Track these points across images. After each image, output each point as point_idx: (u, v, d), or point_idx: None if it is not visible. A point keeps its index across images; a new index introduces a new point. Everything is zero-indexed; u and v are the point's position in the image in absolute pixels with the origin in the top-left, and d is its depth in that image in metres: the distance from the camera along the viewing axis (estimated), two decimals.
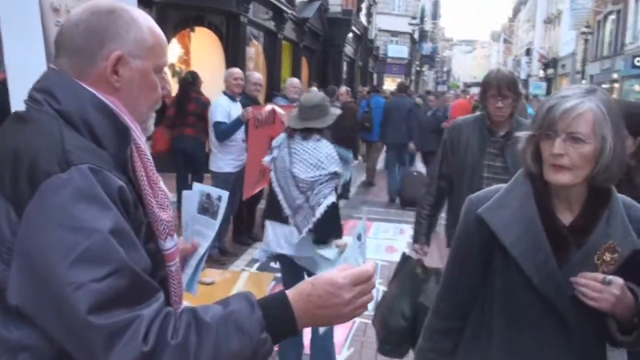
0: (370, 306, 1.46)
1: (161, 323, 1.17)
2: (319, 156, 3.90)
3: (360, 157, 13.16)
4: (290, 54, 18.76)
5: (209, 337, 1.19)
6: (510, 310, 1.84)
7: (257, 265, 6.67)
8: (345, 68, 26.95)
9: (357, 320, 5.25)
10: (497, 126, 3.56)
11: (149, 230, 1.37)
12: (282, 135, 4.15)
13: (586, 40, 33.64)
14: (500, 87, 3.47)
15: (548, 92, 40.51)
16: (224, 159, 6.64)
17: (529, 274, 1.76)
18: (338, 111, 4.26)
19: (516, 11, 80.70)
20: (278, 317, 1.27)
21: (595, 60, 36.05)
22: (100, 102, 1.33)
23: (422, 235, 3.81)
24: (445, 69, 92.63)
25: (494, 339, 1.87)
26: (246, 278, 5.33)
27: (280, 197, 3.98)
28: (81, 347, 1.15)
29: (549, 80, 49.14)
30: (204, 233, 1.80)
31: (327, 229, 3.89)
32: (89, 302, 1.12)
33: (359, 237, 1.79)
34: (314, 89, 10.12)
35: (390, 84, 42.42)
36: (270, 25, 15.69)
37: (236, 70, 6.82)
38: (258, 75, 7.29)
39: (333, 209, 3.88)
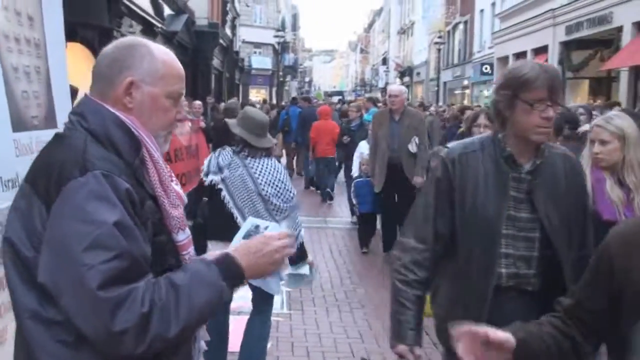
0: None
1: (151, 290, 1.50)
2: (278, 176, 3.97)
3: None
4: None
5: (183, 294, 1.53)
6: None
7: None
8: (213, 80, 27.06)
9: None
10: (521, 154, 2.35)
11: (160, 225, 1.68)
12: (228, 152, 4.05)
13: (439, 50, 35.85)
14: (554, 89, 2.27)
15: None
16: None
17: None
18: (273, 140, 4.52)
19: (372, 22, 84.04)
20: (229, 267, 1.64)
21: (447, 68, 38.50)
22: (118, 119, 1.64)
23: (408, 331, 2.40)
24: (307, 79, 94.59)
25: None
26: None
27: (239, 219, 3.90)
28: (91, 317, 1.45)
29: (406, 87, 51.68)
30: None
31: (301, 249, 4.15)
32: (98, 281, 1.43)
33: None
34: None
35: (255, 95, 42.90)
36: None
37: None
38: None
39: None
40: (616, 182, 3.16)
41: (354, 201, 8.32)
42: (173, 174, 1.84)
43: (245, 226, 2.17)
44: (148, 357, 1.51)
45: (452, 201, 2.38)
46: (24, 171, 1.68)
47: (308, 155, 13.74)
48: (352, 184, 8.46)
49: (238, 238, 2.25)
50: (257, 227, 2.16)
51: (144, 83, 1.68)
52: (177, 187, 1.80)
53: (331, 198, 12.48)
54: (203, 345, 1.90)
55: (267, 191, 3.92)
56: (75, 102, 2.08)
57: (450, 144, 2.58)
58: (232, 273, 1.64)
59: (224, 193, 3.96)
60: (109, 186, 1.51)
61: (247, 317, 4.33)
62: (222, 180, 3.97)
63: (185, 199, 1.84)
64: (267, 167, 3.97)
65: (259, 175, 3.94)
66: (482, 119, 4.66)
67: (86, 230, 1.45)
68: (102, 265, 1.44)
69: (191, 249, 1.80)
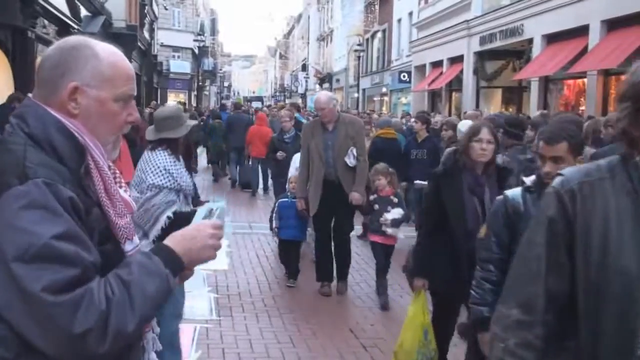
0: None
1: (104, 289, 1.47)
2: (144, 167, 3.98)
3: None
4: None
5: (134, 287, 1.51)
6: None
7: None
8: None
9: (197, 326, 5.53)
10: None
11: (106, 233, 1.63)
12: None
13: (359, 57, 36.41)
14: None
15: None
16: None
17: None
18: (193, 122, 4.48)
19: (291, 28, 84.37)
20: (168, 255, 1.63)
21: (366, 75, 39.17)
22: (61, 125, 1.57)
23: None
24: (226, 83, 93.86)
25: None
26: None
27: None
28: (47, 325, 1.40)
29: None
30: None
31: (184, 215, 3.88)
32: (49, 289, 1.38)
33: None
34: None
35: (174, 99, 42.20)
36: (57, 40, 15.08)
37: None
38: None
39: (173, 223, 3.85)
40: None
41: (274, 223, 7.13)
42: (123, 181, 1.80)
43: (201, 211, 2.11)
44: None
45: (571, 250, 1.68)
46: None
47: (235, 158, 15.08)
48: (275, 204, 7.44)
49: (195, 221, 2.17)
50: (211, 211, 2.08)
51: (88, 87, 1.60)
52: (124, 195, 1.74)
53: (265, 189, 13.88)
54: (154, 357, 1.85)
55: (133, 181, 4.04)
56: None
57: (566, 170, 1.81)
58: (172, 260, 1.63)
59: None
60: (52, 195, 1.44)
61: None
62: None
63: (134, 206, 1.80)
64: (142, 159, 4.08)
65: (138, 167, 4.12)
66: (484, 134, 4.05)
67: (27, 240, 1.38)
68: (52, 275, 1.39)
69: None
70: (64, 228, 1.43)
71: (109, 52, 1.67)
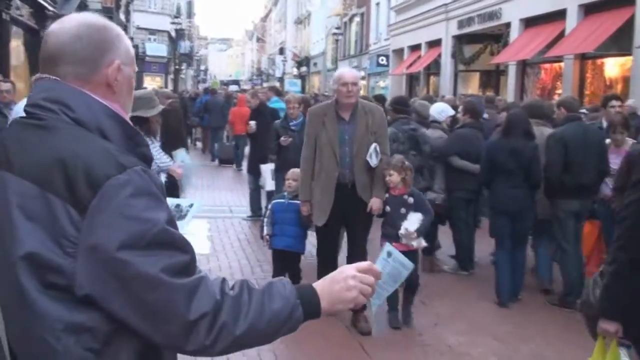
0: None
1: (220, 283, 1.47)
2: None
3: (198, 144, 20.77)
4: None
5: (256, 296, 1.50)
6: None
7: None
8: None
9: None
10: None
11: None
12: None
13: (337, 41, 36.34)
14: None
15: (303, 89, 42.98)
16: None
17: None
18: (161, 107, 4.67)
19: (268, 11, 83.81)
20: (303, 290, 1.58)
21: (344, 59, 39.12)
22: (111, 111, 1.53)
23: None
24: (202, 67, 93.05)
25: None
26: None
27: None
28: (165, 310, 1.38)
29: (302, 77, 52.10)
30: None
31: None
32: (170, 270, 1.37)
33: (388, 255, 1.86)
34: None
35: (150, 83, 41.78)
36: (32, 23, 14.84)
37: None
38: None
39: None
40: None
41: (265, 230, 5.84)
42: None
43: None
44: None
45: None
46: None
47: (214, 136, 17.64)
48: (269, 206, 6.08)
49: None
50: (178, 205, 2.07)
51: (124, 65, 1.59)
52: None
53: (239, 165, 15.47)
54: None
55: None
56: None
57: None
58: (307, 294, 1.57)
59: None
60: (152, 181, 1.43)
61: None
62: None
63: None
64: None
65: None
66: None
67: (141, 228, 1.36)
68: (168, 259, 1.38)
69: None
70: (168, 214, 1.44)
71: (123, 31, 1.68)
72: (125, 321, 1.39)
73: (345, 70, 5.59)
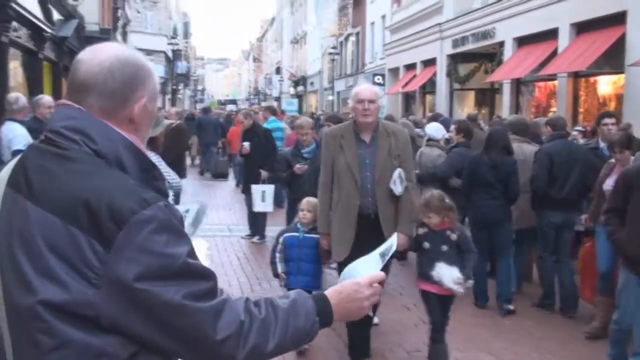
0: None
1: (244, 303, 1.55)
2: None
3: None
4: (50, 74, 17.96)
5: (282, 314, 1.59)
6: None
7: None
8: None
9: None
10: None
11: None
12: None
13: (333, 60, 36.57)
14: None
15: (300, 108, 43.16)
16: None
17: None
18: (168, 122, 4.66)
19: (264, 31, 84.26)
20: (322, 306, 1.68)
21: (340, 78, 39.33)
22: (129, 143, 1.55)
23: None
24: (200, 87, 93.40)
25: None
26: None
27: None
28: (192, 333, 1.45)
29: (299, 97, 52.31)
30: None
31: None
32: (192, 296, 1.43)
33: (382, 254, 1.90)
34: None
35: None
36: (30, 44, 14.97)
37: (48, 99, 6.98)
38: (49, 99, 7.25)
39: None
40: None
41: (279, 268, 5.23)
42: None
43: None
44: None
45: None
46: None
47: (206, 151, 19.38)
48: (279, 239, 5.34)
49: None
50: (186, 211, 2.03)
51: (149, 102, 1.61)
52: None
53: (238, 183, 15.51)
54: None
55: None
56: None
57: None
58: (323, 312, 1.67)
59: None
60: (173, 216, 1.47)
61: None
62: None
63: None
64: None
65: None
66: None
67: (165, 262, 1.41)
68: (189, 288, 1.44)
69: None
70: (189, 246, 1.49)
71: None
72: (157, 345, 1.45)
73: (363, 87, 4.99)
